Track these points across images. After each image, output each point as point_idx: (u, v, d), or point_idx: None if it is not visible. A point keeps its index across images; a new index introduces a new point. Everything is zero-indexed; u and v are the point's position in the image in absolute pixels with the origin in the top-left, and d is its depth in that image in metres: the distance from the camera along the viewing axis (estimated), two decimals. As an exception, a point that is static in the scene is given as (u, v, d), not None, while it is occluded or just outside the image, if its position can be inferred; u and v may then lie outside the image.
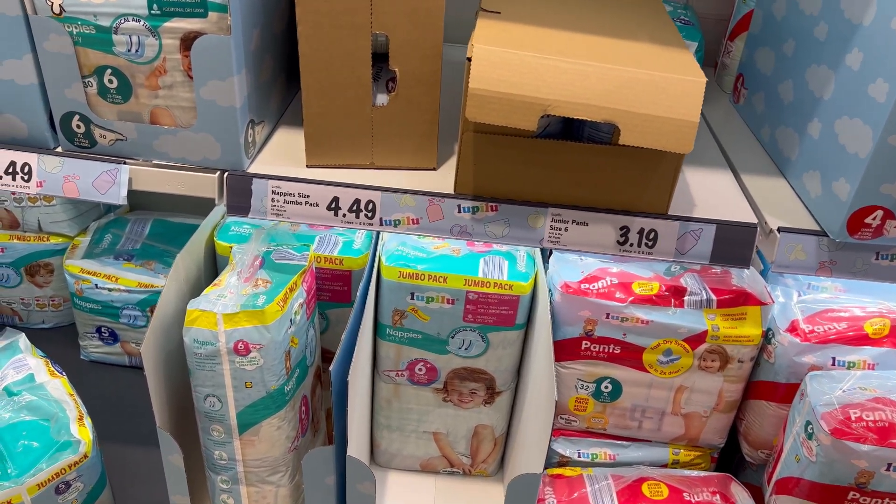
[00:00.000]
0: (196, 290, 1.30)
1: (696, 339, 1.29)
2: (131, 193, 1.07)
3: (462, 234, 1.06)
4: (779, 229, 1.03)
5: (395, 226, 1.06)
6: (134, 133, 1.05)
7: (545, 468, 1.31)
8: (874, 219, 0.98)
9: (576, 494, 1.33)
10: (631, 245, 1.05)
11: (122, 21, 0.96)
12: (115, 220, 1.96)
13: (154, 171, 1.07)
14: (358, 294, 1.24)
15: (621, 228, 1.04)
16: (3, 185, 1.08)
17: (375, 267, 1.29)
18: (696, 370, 1.32)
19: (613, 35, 1.03)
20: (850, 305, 1.30)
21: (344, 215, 1.06)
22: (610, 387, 1.36)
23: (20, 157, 1.07)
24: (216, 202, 1.07)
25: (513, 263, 1.29)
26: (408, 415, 1.44)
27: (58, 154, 1.08)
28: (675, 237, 1.04)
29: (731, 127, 1.34)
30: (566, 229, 1.05)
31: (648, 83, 0.92)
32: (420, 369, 1.37)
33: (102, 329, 1.85)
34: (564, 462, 1.44)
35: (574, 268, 1.33)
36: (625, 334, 1.30)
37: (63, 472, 1.29)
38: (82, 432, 1.33)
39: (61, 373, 1.46)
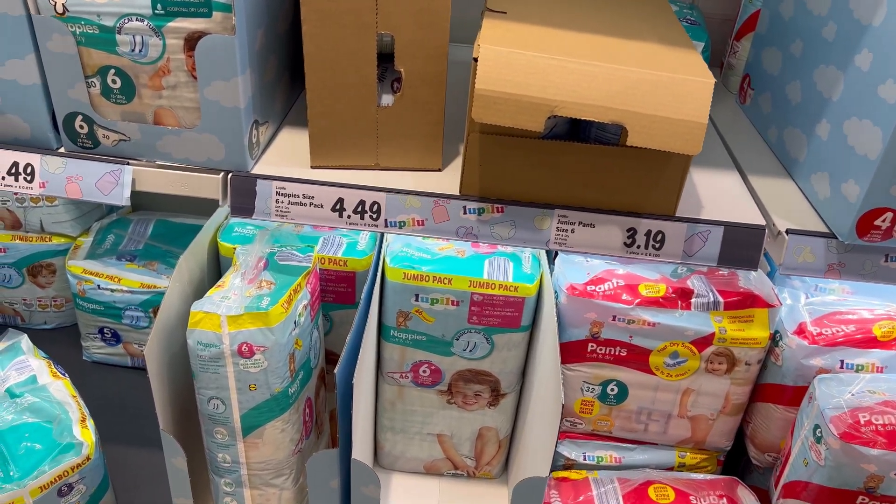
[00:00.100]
0: (199, 291, 1.30)
1: (703, 342, 1.28)
2: (134, 194, 1.07)
3: (468, 236, 1.05)
4: (787, 231, 1.02)
5: (401, 227, 1.05)
6: (137, 133, 1.04)
7: (550, 471, 1.30)
8: (884, 221, 0.97)
9: (581, 498, 1.32)
10: (638, 247, 1.04)
11: (126, 21, 0.96)
12: (118, 220, 1.95)
13: (157, 171, 1.06)
14: (362, 296, 1.23)
15: (628, 230, 1.03)
16: (5, 185, 1.07)
17: (380, 268, 1.28)
18: (702, 373, 1.32)
19: (620, 35, 1.02)
20: (858, 308, 1.29)
21: (349, 217, 1.05)
22: (616, 389, 1.35)
23: (23, 158, 1.06)
24: (220, 203, 1.06)
25: (518, 265, 1.29)
26: (412, 417, 1.43)
27: (61, 155, 1.07)
28: (682, 239, 1.03)
29: (737, 127, 1.33)
30: (573, 231, 1.04)
31: (656, 84, 0.91)
32: (424, 371, 1.37)
33: (105, 330, 1.85)
34: (570, 465, 1.44)
35: (580, 269, 1.32)
36: (631, 336, 1.29)
37: (65, 474, 1.28)
38: (85, 434, 1.32)
39: (64, 374, 1.45)
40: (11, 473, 1.24)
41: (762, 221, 1.05)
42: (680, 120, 0.90)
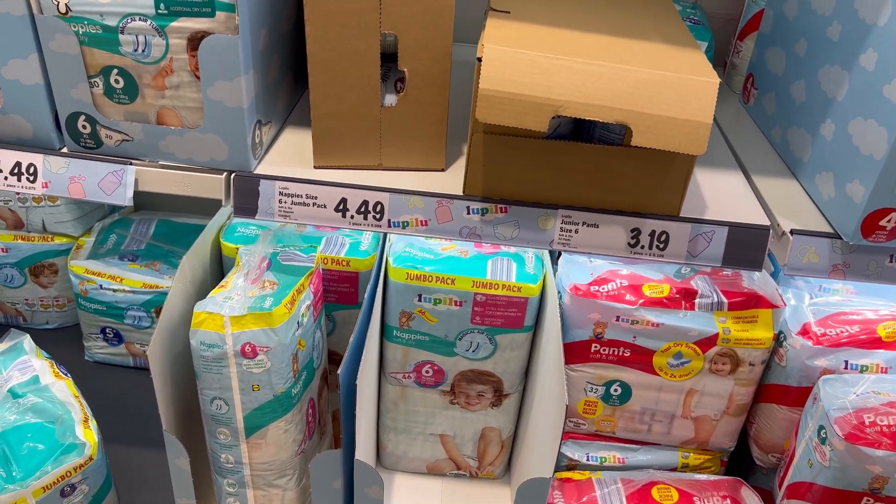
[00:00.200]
0: (202, 291, 1.29)
1: (706, 342, 1.28)
2: (136, 193, 1.07)
3: (471, 236, 1.05)
4: (791, 231, 1.02)
5: (404, 227, 1.05)
6: (140, 133, 1.04)
7: (553, 472, 1.30)
8: (888, 221, 0.97)
9: (585, 498, 1.32)
10: (642, 247, 1.04)
11: (129, 21, 0.95)
12: (120, 220, 1.95)
13: (160, 171, 1.06)
14: (366, 296, 1.23)
15: (632, 230, 1.03)
16: (8, 185, 1.07)
17: (383, 269, 1.28)
18: (706, 373, 1.31)
19: (624, 35, 1.01)
20: (862, 308, 1.29)
21: (352, 217, 1.05)
22: (619, 390, 1.35)
23: (25, 158, 1.06)
24: (223, 203, 1.06)
25: (521, 265, 1.28)
26: (414, 417, 1.43)
27: (63, 154, 1.07)
28: (686, 239, 1.03)
29: (740, 127, 1.33)
30: (576, 231, 1.04)
31: (661, 84, 0.91)
32: (427, 371, 1.37)
33: (107, 330, 1.84)
34: (573, 465, 1.44)
35: (583, 270, 1.32)
36: (635, 337, 1.29)
37: (68, 474, 1.28)
38: (87, 434, 1.32)
39: (66, 374, 1.45)
40: (14, 474, 1.24)
41: (766, 222, 1.04)
42: (685, 120, 0.90)
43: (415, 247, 1.30)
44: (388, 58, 1.02)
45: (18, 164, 1.06)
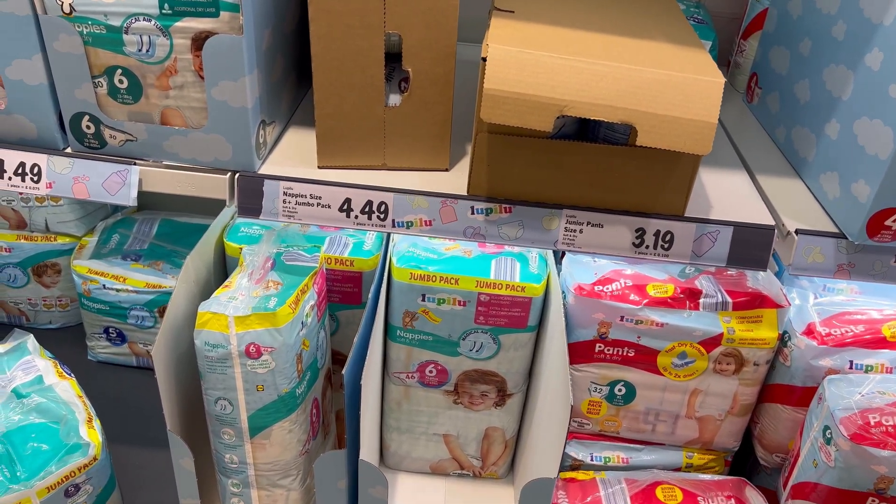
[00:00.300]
0: (206, 291, 1.29)
1: (711, 342, 1.28)
2: (139, 193, 1.06)
3: (475, 236, 1.04)
4: (797, 231, 1.01)
5: (408, 227, 1.05)
6: (144, 134, 1.03)
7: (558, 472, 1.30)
8: (894, 221, 0.97)
9: (589, 498, 1.32)
10: (647, 247, 1.04)
11: (133, 21, 0.95)
12: (123, 220, 1.95)
13: (164, 172, 1.06)
14: (370, 296, 1.23)
15: (637, 230, 1.03)
16: (12, 185, 1.07)
17: (386, 268, 1.28)
18: (710, 373, 1.31)
19: (629, 34, 1.01)
20: (867, 308, 1.29)
21: (356, 217, 1.05)
22: (623, 390, 1.35)
23: (29, 158, 1.06)
24: (227, 203, 1.06)
25: (525, 265, 1.28)
26: (418, 417, 1.43)
27: (67, 155, 1.07)
28: (691, 239, 1.03)
29: (744, 127, 1.33)
30: (581, 231, 1.04)
31: (666, 83, 0.91)
32: (431, 371, 1.36)
33: (110, 330, 1.85)
34: (577, 465, 1.43)
35: (587, 269, 1.32)
36: (639, 337, 1.29)
37: (72, 474, 1.28)
38: (91, 434, 1.32)
39: (70, 374, 1.45)
40: (18, 474, 1.24)
41: (771, 221, 1.04)
42: (690, 119, 0.90)
43: (418, 247, 1.30)
44: (392, 57, 1.02)
45: (22, 165, 1.06)
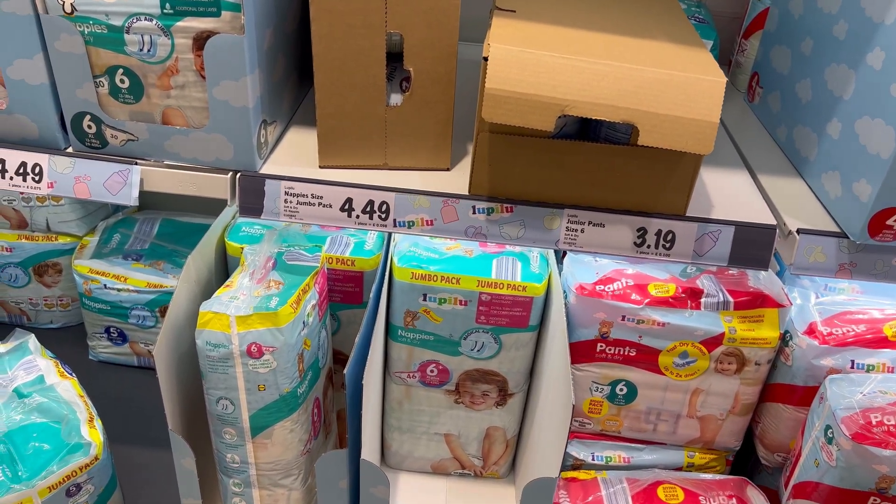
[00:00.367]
0: (207, 291, 1.29)
1: (712, 342, 1.28)
2: (140, 193, 1.06)
3: (477, 236, 1.04)
4: (798, 231, 1.01)
5: (409, 227, 1.05)
6: (145, 133, 1.03)
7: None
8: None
9: (591, 498, 1.32)
10: (648, 247, 1.04)
11: (135, 20, 0.95)
12: (124, 219, 1.95)
13: (166, 171, 1.06)
14: (371, 296, 1.23)
15: (638, 230, 1.03)
16: (13, 185, 1.07)
17: (387, 268, 1.28)
18: (712, 373, 1.31)
19: (630, 34, 1.01)
20: (868, 307, 1.29)
21: (357, 216, 1.05)
22: (625, 389, 1.35)
23: (31, 158, 1.06)
24: (228, 203, 1.06)
25: (526, 264, 1.28)
26: (419, 416, 1.43)
27: (69, 154, 1.07)
28: (693, 239, 1.03)
29: (746, 126, 1.33)
30: (582, 231, 1.04)
31: (667, 83, 0.91)
32: (432, 371, 1.36)
33: (111, 329, 1.85)
34: (578, 465, 1.43)
35: (588, 269, 1.32)
36: (640, 336, 1.29)
37: (74, 474, 1.28)
38: (93, 434, 1.32)
39: (71, 374, 1.45)
40: (20, 473, 1.24)
41: (773, 221, 1.04)
42: (691, 119, 0.90)
43: (419, 246, 1.30)
44: (394, 57, 1.02)
45: (24, 164, 1.06)
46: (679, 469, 1.43)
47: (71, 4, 0.95)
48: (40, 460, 1.26)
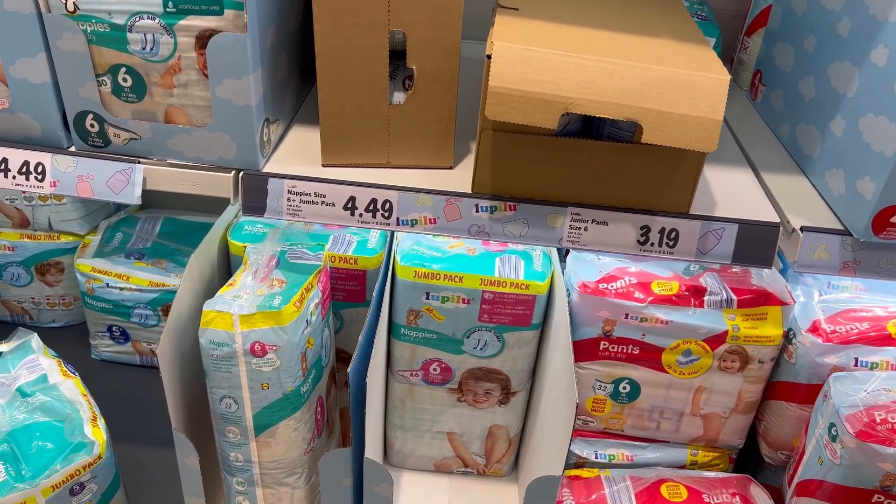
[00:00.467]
0: (210, 289, 1.29)
1: (716, 340, 1.28)
2: (143, 192, 1.06)
3: (480, 234, 1.04)
4: (802, 228, 1.01)
5: (413, 226, 1.05)
6: (148, 132, 1.03)
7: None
8: (900, 218, 0.97)
9: (594, 496, 1.32)
10: (651, 245, 1.03)
11: (137, 19, 0.95)
12: (126, 218, 1.95)
13: (168, 170, 1.06)
14: (374, 294, 1.23)
15: (642, 228, 1.03)
16: (16, 184, 1.07)
17: (390, 267, 1.28)
18: (715, 371, 1.31)
19: (633, 31, 1.01)
20: (871, 305, 1.29)
21: (360, 215, 1.05)
22: (628, 387, 1.35)
23: (34, 157, 1.06)
24: (231, 202, 1.06)
25: (529, 263, 1.28)
26: (422, 415, 1.43)
27: (71, 153, 1.06)
28: (696, 237, 1.03)
29: (748, 124, 1.32)
30: (586, 229, 1.03)
31: (671, 80, 0.91)
32: (434, 369, 1.36)
33: (113, 328, 1.85)
34: (581, 463, 1.43)
35: (592, 267, 1.32)
36: (644, 335, 1.28)
37: (77, 473, 1.28)
38: (96, 433, 1.32)
39: (74, 373, 1.45)
40: (24, 473, 1.24)
41: (776, 219, 1.04)
42: (695, 117, 0.90)
43: (422, 245, 1.30)
44: (397, 55, 1.02)
45: (27, 164, 1.06)
46: (682, 467, 1.43)
47: (73, 3, 0.95)
48: (44, 459, 1.26)
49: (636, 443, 1.43)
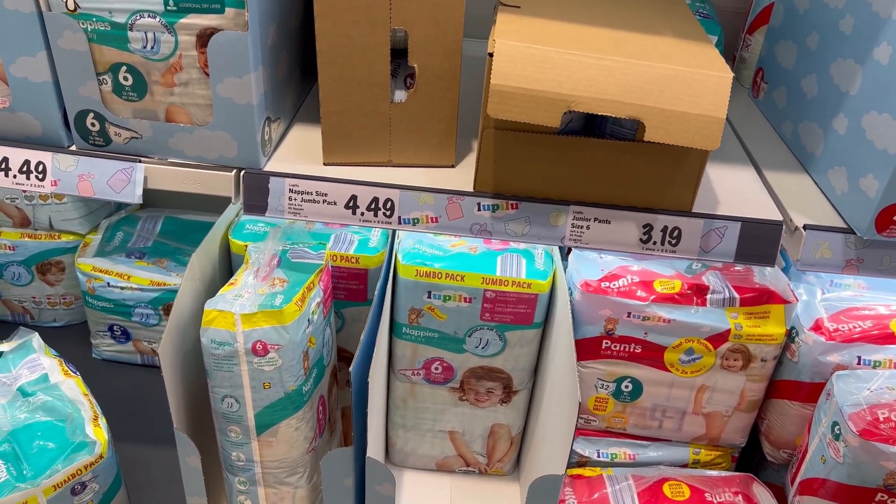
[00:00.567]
0: (211, 289, 1.29)
1: (718, 338, 1.28)
2: (143, 191, 1.06)
3: (482, 233, 1.04)
4: (805, 227, 1.01)
5: (414, 224, 1.04)
6: (149, 131, 1.03)
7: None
8: (903, 216, 0.96)
9: (596, 495, 1.32)
10: (654, 243, 1.03)
11: (138, 17, 0.95)
12: (126, 217, 1.95)
13: (169, 169, 1.05)
14: (376, 293, 1.23)
15: (644, 226, 1.03)
16: (17, 184, 1.07)
17: (392, 265, 1.28)
18: (718, 369, 1.31)
19: (635, 29, 1.01)
20: (874, 303, 1.28)
21: (362, 214, 1.04)
22: (630, 386, 1.35)
23: (34, 156, 1.06)
24: (233, 201, 1.06)
25: (531, 261, 1.28)
26: (423, 414, 1.43)
27: (72, 152, 1.06)
28: (699, 235, 1.02)
29: (751, 122, 1.32)
30: (588, 227, 1.03)
31: (673, 78, 0.90)
32: (436, 368, 1.36)
33: (114, 327, 1.85)
34: (584, 462, 1.43)
35: (594, 266, 1.32)
36: (646, 333, 1.28)
37: (79, 472, 1.28)
38: (97, 433, 1.32)
39: (75, 372, 1.45)
40: (25, 472, 1.24)
41: (779, 217, 1.04)
42: (697, 115, 0.89)
43: (424, 243, 1.30)
44: (398, 53, 1.02)
45: (27, 163, 1.06)
46: (685, 466, 1.43)
47: (74, 1, 0.95)
48: (45, 459, 1.26)
49: (638, 442, 1.43)
